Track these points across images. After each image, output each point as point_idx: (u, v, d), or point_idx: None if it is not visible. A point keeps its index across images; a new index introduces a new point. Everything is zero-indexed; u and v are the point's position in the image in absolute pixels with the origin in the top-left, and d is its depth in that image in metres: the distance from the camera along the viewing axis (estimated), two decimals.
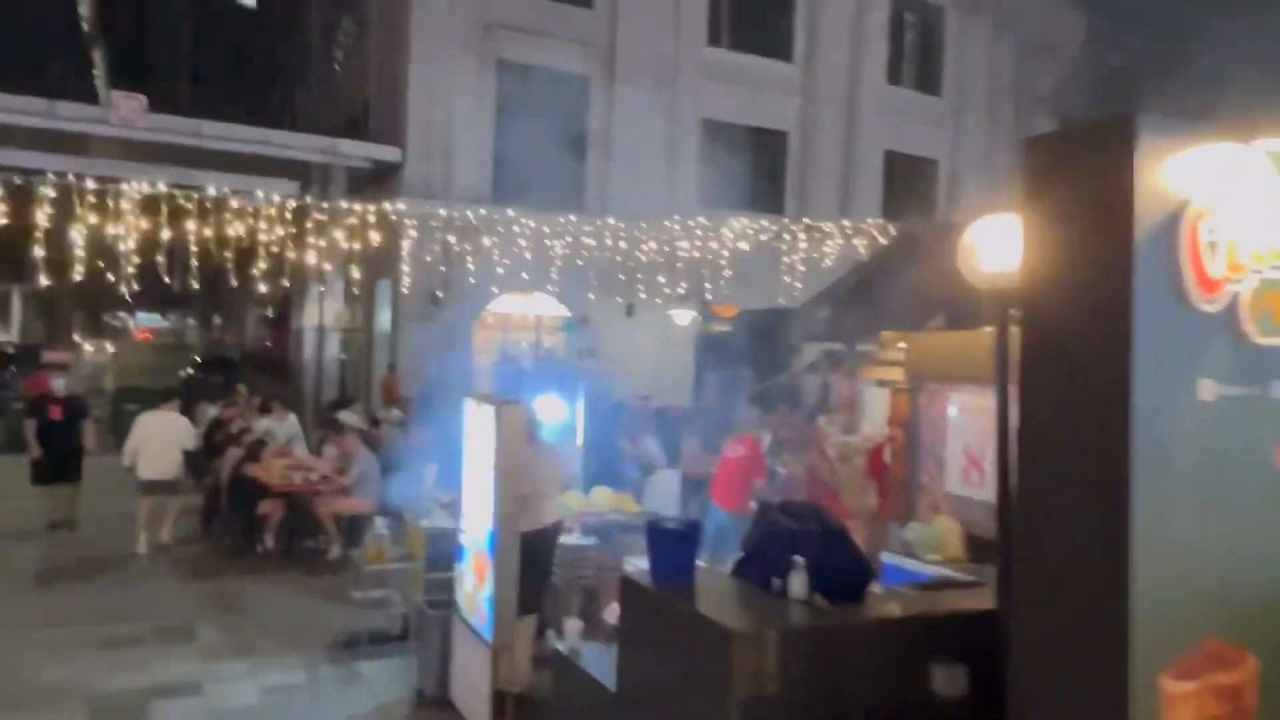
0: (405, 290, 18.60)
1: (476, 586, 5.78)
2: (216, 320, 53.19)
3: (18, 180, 13.84)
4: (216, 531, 10.48)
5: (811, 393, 22.61)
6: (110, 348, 39.11)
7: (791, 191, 22.65)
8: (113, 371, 22.21)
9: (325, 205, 16.75)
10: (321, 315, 20.52)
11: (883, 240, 18.68)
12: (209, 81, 43.21)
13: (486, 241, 17.98)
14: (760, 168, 22.10)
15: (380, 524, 7.36)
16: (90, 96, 17.56)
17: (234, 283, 16.57)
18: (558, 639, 6.50)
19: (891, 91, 23.41)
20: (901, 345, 6.87)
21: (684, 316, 19.85)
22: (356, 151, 19.33)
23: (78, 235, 14.56)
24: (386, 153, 19.14)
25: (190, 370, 27.19)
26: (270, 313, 35.03)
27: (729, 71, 21.54)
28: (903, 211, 22.22)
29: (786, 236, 19.41)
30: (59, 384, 11.64)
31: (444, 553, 7.52)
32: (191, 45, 49.94)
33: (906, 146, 23.72)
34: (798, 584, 3.75)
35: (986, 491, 6.73)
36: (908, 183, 23.82)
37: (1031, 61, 25.06)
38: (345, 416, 13.68)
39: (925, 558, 6.66)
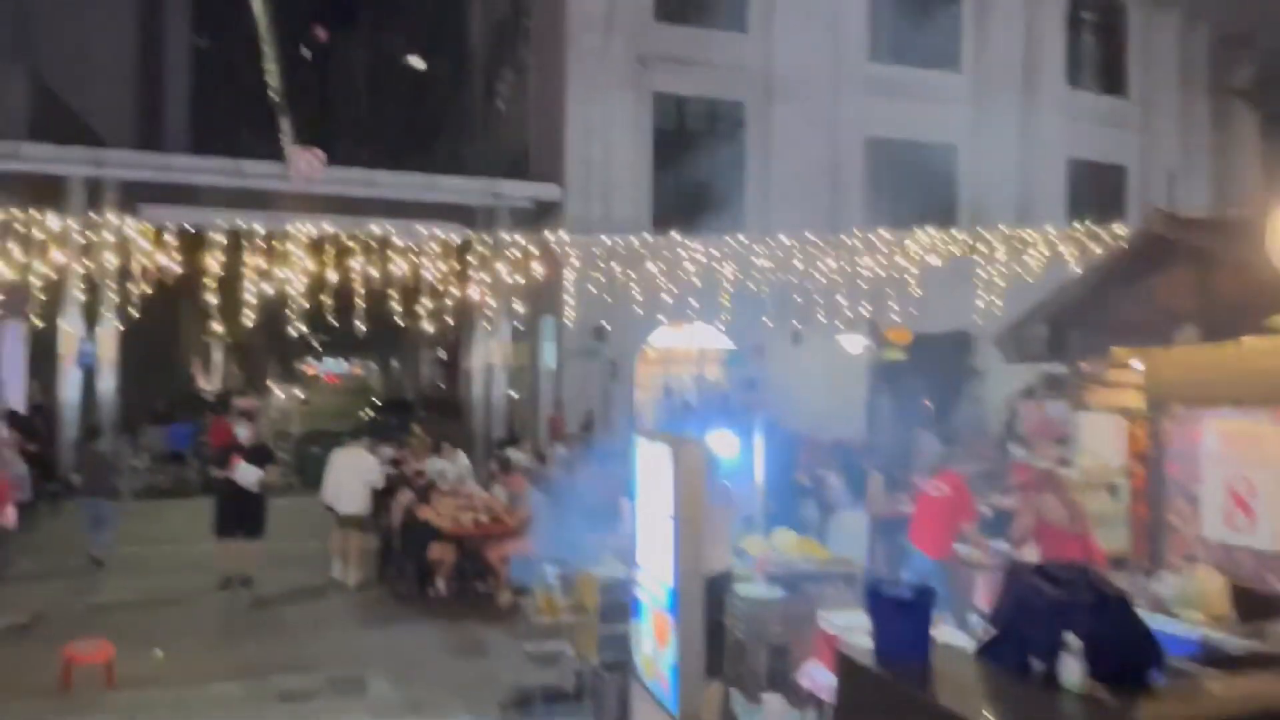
0: (569, 324, 18.44)
1: (657, 649, 5.14)
2: (394, 364, 55.45)
3: (215, 234, 14.46)
4: (391, 575, 10.31)
5: (997, 421, 21.08)
6: (299, 393, 41.19)
7: (964, 208, 21.28)
8: (299, 416, 23.04)
9: (489, 240, 16.80)
10: (489, 354, 20.63)
11: (1094, 248, 17.03)
12: (381, 136, 45.38)
13: (651, 268, 17.54)
14: (929, 184, 20.87)
15: (550, 572, 6.84)
16: (275, 156, 18.31)
17: (406, 323, 16.81)
18: (744, 705, 5.81)
19: (1072, 95, 21.73)
20: (1137, 364, 5.84)
21: (854, 344, 18.81)
22: (519, 192, 19.42)
23: (264, 284, 15.14)
24: (547, 191, 19.13)
25: (370, 412, 28.07)
26: (442, 354, 36.03)
27: (892, 86, 20.51)
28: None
29: (982, 248, 17.44)
30: (243, 433, 11.05)
31: (618, 604, 6.95)
32: (365, 105, 52.77)
33: (1091, 153, 21.93)
34: (1071, 670, 2.91)
35: (1259, 537, 5.60)
36: (1093, 192, 21.98)
37: (1227, 53, 22.78)
38: (513, 454, 13.47)
39: (1183, 616, 5.58)
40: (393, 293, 16.19)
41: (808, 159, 19.83)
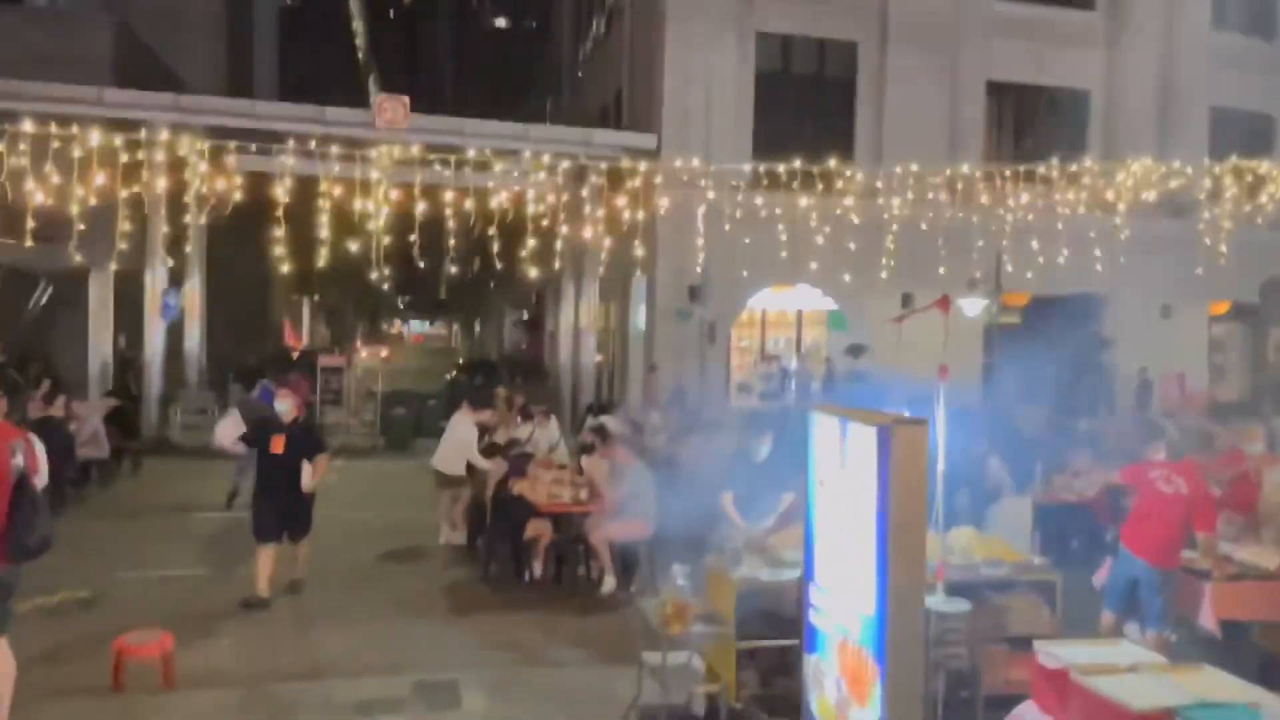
0: (662, 283, 17.07)
1: (849, 698, 3.79)
2: (477, 326, 54.89)
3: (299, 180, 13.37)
4: (482, 555, 9.15)
5: (1122, 393, 19.11)
6: (384, 353, 40.73)
7: (1098, 158, 19.16)
8: (383, 375, 22.19)
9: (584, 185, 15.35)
10: (577, 315, 19.38)
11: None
12: (470, 90, 44.35)
13: (746, 228, 15.97)
14: (1058, 132, 18.82)
15: (678, 572, 5.53)
16: (363, 105, 17.23)
17: (496, 276, 15.48)
18: None
19: (1216, 37, 19.36)
20: None
21: (974, 306, 17.00)
22: (612, 140, 18.02)
23: (350, 238, 14.05)
24: (642, 140, 17.69)
25: (453, 374, 27.21)
26: (525, 315, 35.04)
27: (1019, 25, 18.47)
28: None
29: (1207, 182, 14.70)
30: (284, 406, 8.08)
31: (761, 613, 5.63)
32: (452, 62, 51.76)
33: (1236, 101, 19.58)
34: None
35: None
36: (1239, 143, 19.60)
37: None
38: (609, 422, 12.19)
39: None
40: (489, 234, 14.86)
41: (925, 106, 17.98)
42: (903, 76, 18.01)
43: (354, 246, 14.65)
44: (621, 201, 15.19)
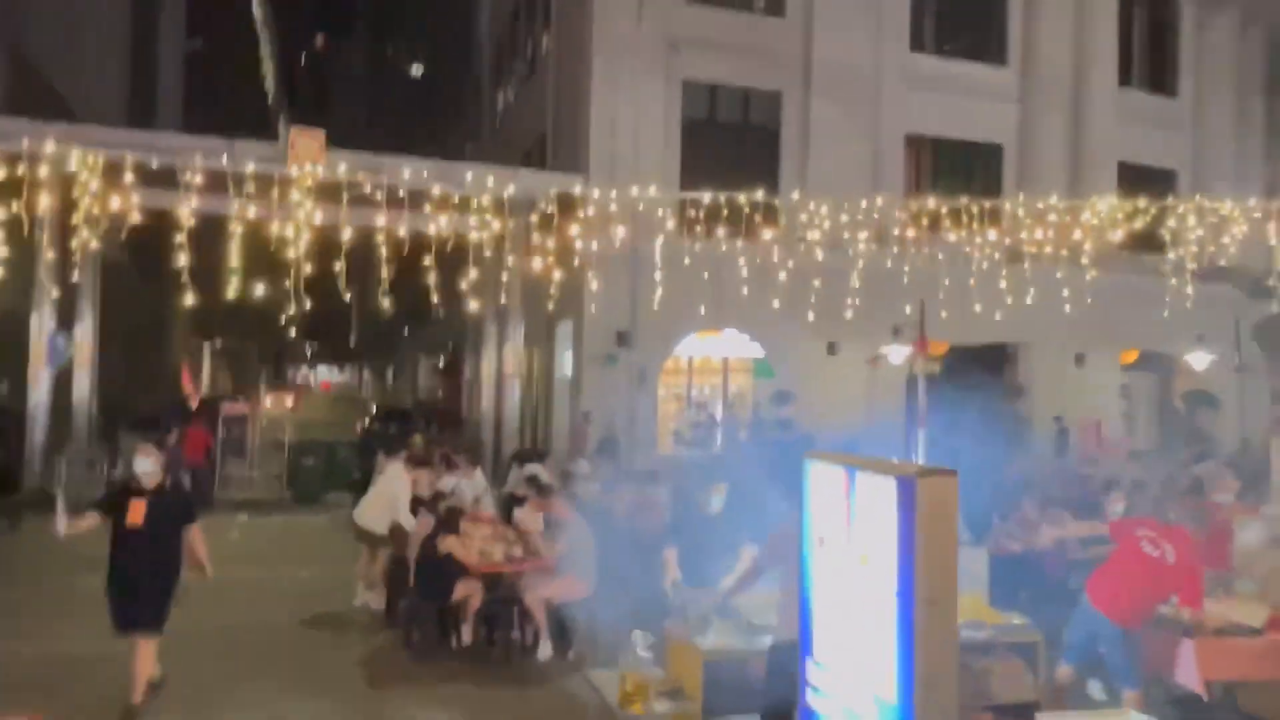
0: (589, 328, 16.56)
1: None
2: (390, 373, 53.33)
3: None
4: (403, 621, 8.33)
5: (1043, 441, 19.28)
6: (290, 401, 39.03)
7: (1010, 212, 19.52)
8: (290, 424, 21.02)
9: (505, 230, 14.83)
10: (500, 360, 18.68)
11: None
12: (383, 131, 43.46)
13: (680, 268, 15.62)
14: (974, 185, 19.10)
15: (639, 638, 4.92)
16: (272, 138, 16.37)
17: (416, 310, 14.73)
18: None
19: (1122, 94, 20.06)
20: None
21: (900, 354, 16.98)
22: (538, 184, 17.52)
23: (256, 280, 13.16)
24: (569, 184, 17.26)
25: (366, 423, 26.05)
26: (442, 362, 34.04)
27: (936, 80, 18.78)
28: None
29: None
30: (146, 466, 6.26)
31: (731, 687, 5.05)
32: (367, 106, 50.84)
33: (1141, 156, 20.25)
34: None
35: None
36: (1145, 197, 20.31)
37: None
38: (540, 472, 11.53)
39: None
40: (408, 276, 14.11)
41: (847, 156, 18.04)
42: (825, 127, 18.08)
43: (259, 288, 13.77)
44: (549, 244, 14.70)
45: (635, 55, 17.08)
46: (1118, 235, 15.25)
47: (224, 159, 14.76)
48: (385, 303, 12.28)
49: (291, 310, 10.81)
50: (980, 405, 18.47)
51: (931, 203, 15.74)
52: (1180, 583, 5.43)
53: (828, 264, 17.45)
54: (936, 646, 2.88)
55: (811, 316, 17.19)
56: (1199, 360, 18.81)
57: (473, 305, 15.31)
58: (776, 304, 16.65)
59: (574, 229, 15.47)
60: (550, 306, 16.37)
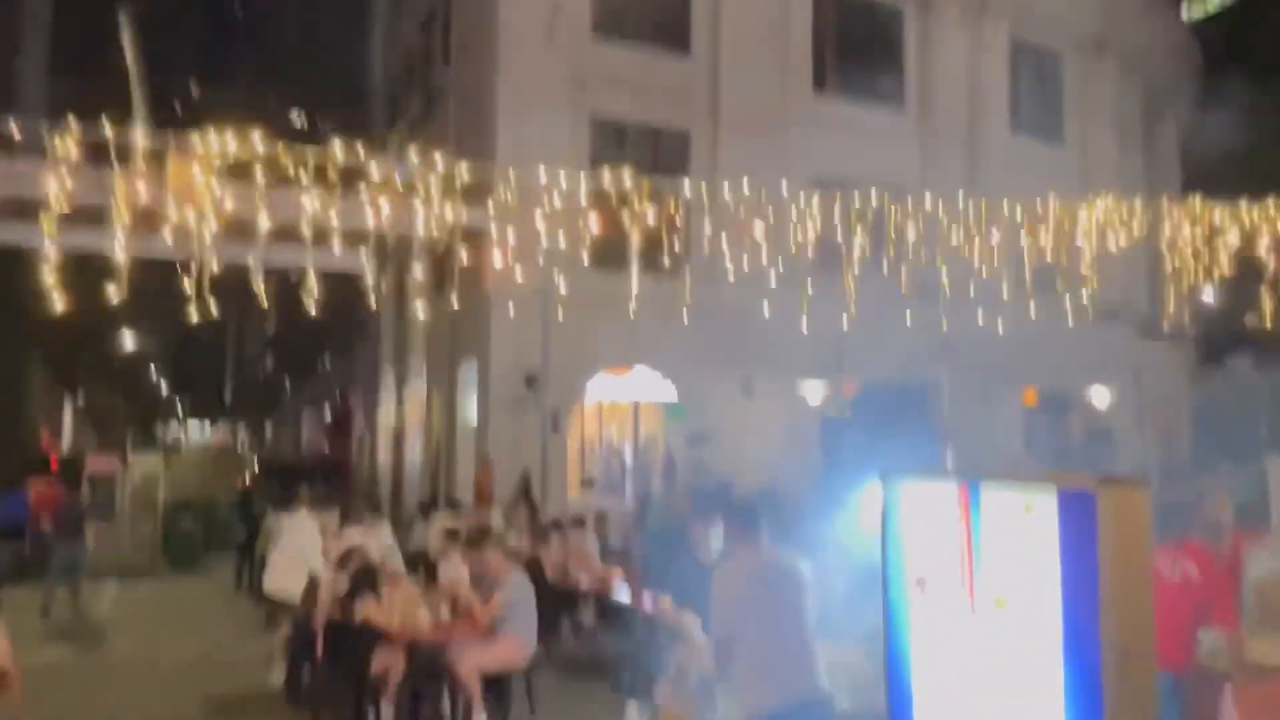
0: (495, 371, 15.57)
1: None
2: (269, 428, 50.42)
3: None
4: (310, 695, 7.11)
5: None
6: (161, 459, 36.13)
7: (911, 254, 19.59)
8: (164, 484, 19.08)
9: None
10: (400, 408, 17.43)
11: None
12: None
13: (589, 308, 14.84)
14: (879, 227, 19.10)
15: (632, 712, 4.01)
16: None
17: (299, 360, 13.51)
18: None
19: (1015, 143, 20.51)
20: None
21: (815, 393, 16.57)
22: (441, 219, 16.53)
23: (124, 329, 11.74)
24: (473, 218, 16.32)
25: (247, 478, 24.07)
26: (329, 414, 32.12)
27: (840, 123, 18.76)
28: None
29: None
30: None
31: None
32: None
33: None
34: None
35: None
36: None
37: (1159, 107, 22.23)
38: (448, 522, 10.46)
39: None
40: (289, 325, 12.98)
41: (756, 196, 17.72)
42: (734, 166, 17.75)
43: (128, 340, 12.33)
44: (453, 283, 13.69)
45: (542, 92, 16.41)
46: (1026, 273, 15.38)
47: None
48: (247, 363, 11.05)
49: (160, 365, 9.54)
50: (894, 444, 18.22)
51: (841, 241, 15.57)
52: (1210, 596, 4.82)
53: (740, 301, 17.06)
54: (1132, 711, 2.11)
55: (724, 355, 16.74)
56: (1099, 398, 19.12)
57: (369, 348, 14.20)
58: (688, 342, 16.15)
59: (480, 263, 14.58)
60: (447, 351, 15.40)
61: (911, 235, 19.49)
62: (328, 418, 32.15)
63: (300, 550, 7.98)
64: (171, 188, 13.51)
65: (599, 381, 17.33)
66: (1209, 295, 14.44)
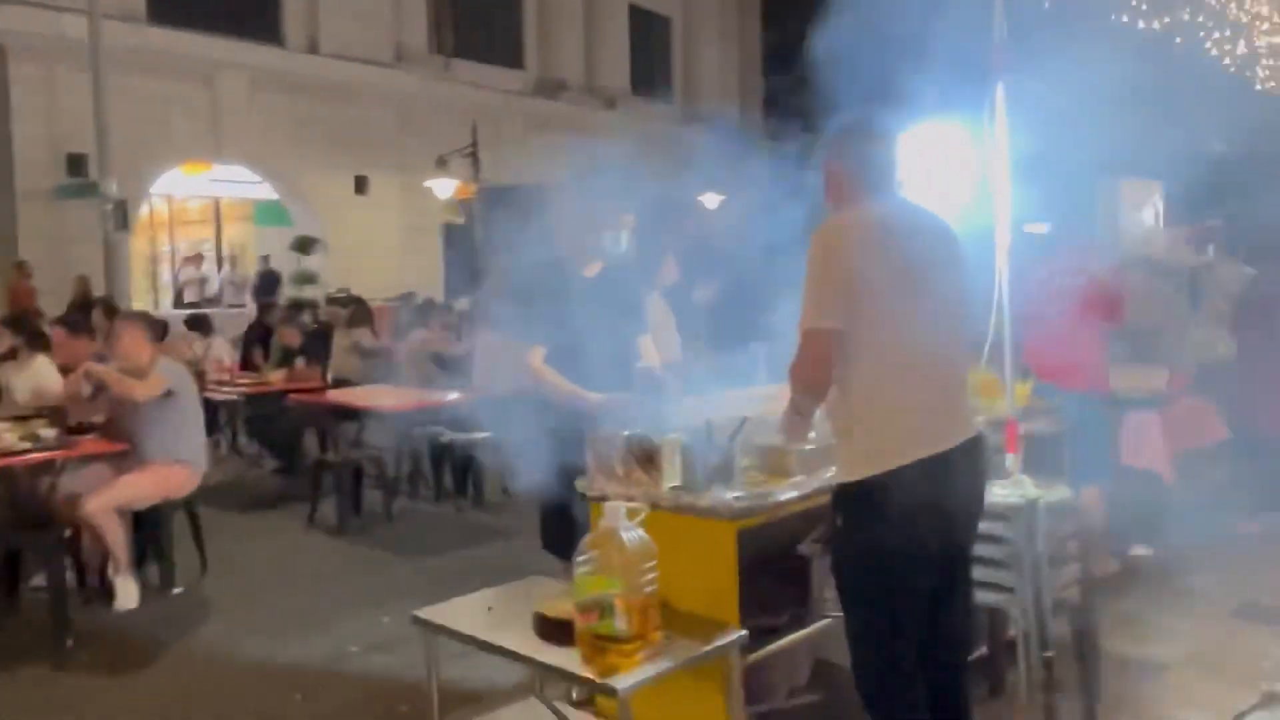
0: (23, 153, 11.50)
1: None
2: None
3: None
4: None
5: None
6: None
7: None
8: None
9: None
10: None
11: None
12: None
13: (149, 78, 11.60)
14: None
15: None
16: None
17: None
18: None
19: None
20: None
21: (445, 188, 14.49)
22: None
23: None
24: None
25: None
26: None
27: None
28: None
29: None
30: None
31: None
32: None
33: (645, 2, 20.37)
34: None
35: None
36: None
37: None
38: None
39: None
40: None
41: None
42: None
43: None
44: None
45: None
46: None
47: None
48: None
49: None
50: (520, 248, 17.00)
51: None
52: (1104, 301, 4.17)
53: (354, 86, 14.35)
54: None
55: (335, 147, 14.07)
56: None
57: None
58: (290, 132, 13.35)
59: None
60: None
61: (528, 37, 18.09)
62: None
63: None
64: None
65: (172, 178, 13.80)
66: None
